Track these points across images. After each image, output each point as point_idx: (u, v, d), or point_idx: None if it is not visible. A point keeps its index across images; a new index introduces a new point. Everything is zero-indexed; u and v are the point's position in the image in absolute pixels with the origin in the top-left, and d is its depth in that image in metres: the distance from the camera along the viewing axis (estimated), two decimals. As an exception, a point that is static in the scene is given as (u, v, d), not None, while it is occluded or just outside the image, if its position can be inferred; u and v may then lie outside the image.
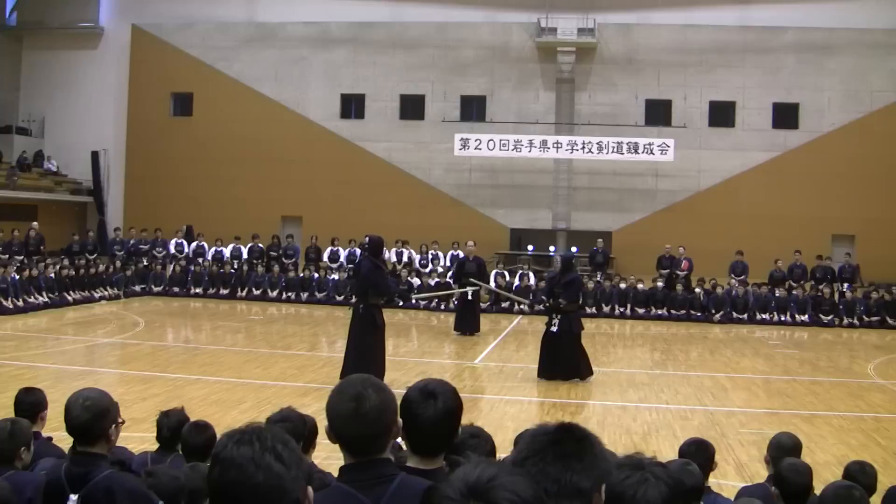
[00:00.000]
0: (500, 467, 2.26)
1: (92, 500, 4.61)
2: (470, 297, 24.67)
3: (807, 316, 29.45)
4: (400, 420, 3.51)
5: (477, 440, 4.53)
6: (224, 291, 31.80)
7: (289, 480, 2.53)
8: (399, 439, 3.70)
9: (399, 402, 3.63)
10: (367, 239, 16.76)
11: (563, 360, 17.44)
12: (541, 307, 20.21)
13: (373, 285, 16.11)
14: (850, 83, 37.24)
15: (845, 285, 31.13)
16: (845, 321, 29.20)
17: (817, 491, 5.77)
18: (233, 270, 32.46)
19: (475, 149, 37.40)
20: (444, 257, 33.10)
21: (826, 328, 28.75)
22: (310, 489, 2.64)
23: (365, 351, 15.75)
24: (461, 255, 28.63)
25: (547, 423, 2.86)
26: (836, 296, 30.50)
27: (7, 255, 30.78)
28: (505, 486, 2.14)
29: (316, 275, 31.91)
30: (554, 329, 17.68)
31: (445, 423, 3.64)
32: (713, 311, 29.60)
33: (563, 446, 2.73)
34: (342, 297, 30.38)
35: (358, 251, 31.56)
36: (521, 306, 28.56)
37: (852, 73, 37.25)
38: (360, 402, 3.35)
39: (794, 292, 30.27)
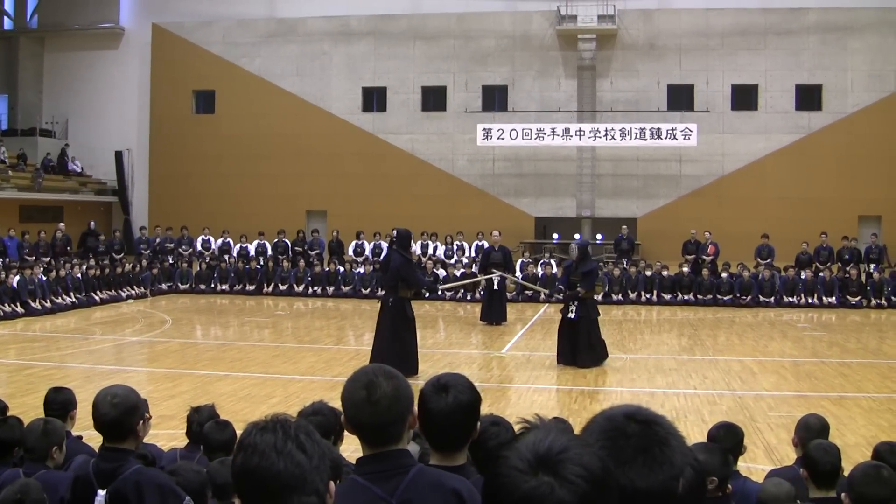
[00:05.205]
0: (571, 438, 2.12)
1: (120, 495, 4.64)
2: (496, 287, 24.66)
3: (834, 298, 29.28)
4: (415, 410, 3.48)
5: (498, 428, 4.53)
6: (250, 287, 31.86)
7: (310, 470, 2.53)
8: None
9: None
10: (395, 232, 16.77)
11: (582, 345, 17.49)
12: (559, 296, 20.21)
13: (403, 278, 16.15)
14: (874, 63, 36.94)
15: (872, 266, 30.92)
16: (873, 302, 29.01)
17: (846, 473, 5.75)
18: (258, 266, 32.52)
19: (498, 139, 37.37)
20: (470, 248, 33.09)
21: (854, 309, 28.55)
22: (332, 484, 2.63)
23: (399, 344, 15.83)
24: (486, 245, 28.55)
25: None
26: (864, 277, 30.28)
27: (34, 257, 30.99)
28: (574, 461, 1.97)
29: (341, 269, 31.94)
30: (572, 316, 17.70)
31: (458, 416, 3.66)
32: (740, 296, 29.48)
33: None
34: (368, 290, 30.45)
35: (383, 244, 31.63)
36: (541, 295, 28.38)
37: (876, 53, 36.96)
38: (372, 390, 3.32)
39: (821, 274, 30.13)
